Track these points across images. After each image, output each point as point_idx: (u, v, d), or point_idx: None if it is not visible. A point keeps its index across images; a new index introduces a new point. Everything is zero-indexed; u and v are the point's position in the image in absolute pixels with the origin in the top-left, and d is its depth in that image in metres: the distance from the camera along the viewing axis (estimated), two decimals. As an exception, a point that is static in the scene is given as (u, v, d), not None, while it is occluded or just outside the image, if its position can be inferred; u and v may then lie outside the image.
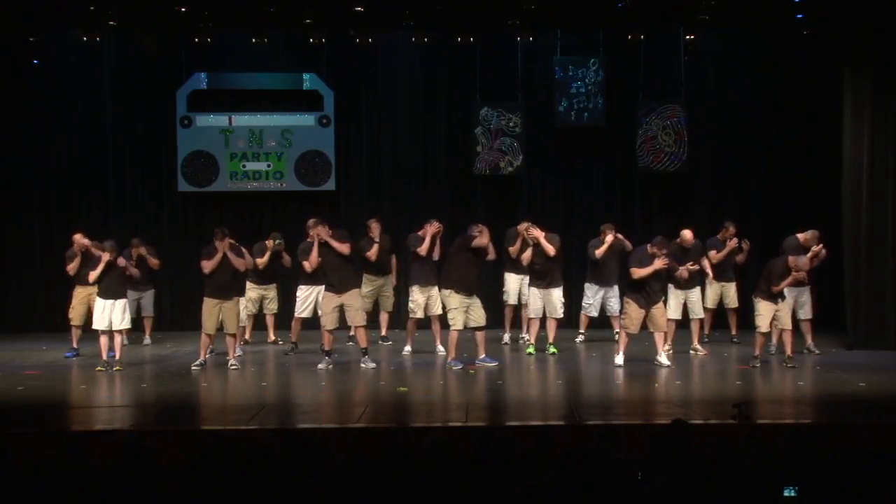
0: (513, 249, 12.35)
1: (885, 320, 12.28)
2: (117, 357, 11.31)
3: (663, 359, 11.11)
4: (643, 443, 5.77)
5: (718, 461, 5.38)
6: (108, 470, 5.39)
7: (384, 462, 5.51)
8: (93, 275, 11.46)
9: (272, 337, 13.19)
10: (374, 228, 12.59)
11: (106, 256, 11.31)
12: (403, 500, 4.98)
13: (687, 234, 11.95)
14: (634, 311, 11.04)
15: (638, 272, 10.97)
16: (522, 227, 12.20)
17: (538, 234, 11.85)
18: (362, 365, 11.22)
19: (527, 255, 12.00)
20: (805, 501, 4.93)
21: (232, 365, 11.25)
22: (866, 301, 12.35)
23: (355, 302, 11.39)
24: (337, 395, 10.13)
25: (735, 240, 12.42)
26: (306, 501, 4.93)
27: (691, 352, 11.97)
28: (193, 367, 11.23)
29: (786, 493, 4.96)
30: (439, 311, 12.10)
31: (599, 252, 12.18)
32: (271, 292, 13.05)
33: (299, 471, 5.31)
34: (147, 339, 13.33)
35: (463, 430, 8.09)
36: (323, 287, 11.58)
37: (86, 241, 12.00)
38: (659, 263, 10.94)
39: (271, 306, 13.11)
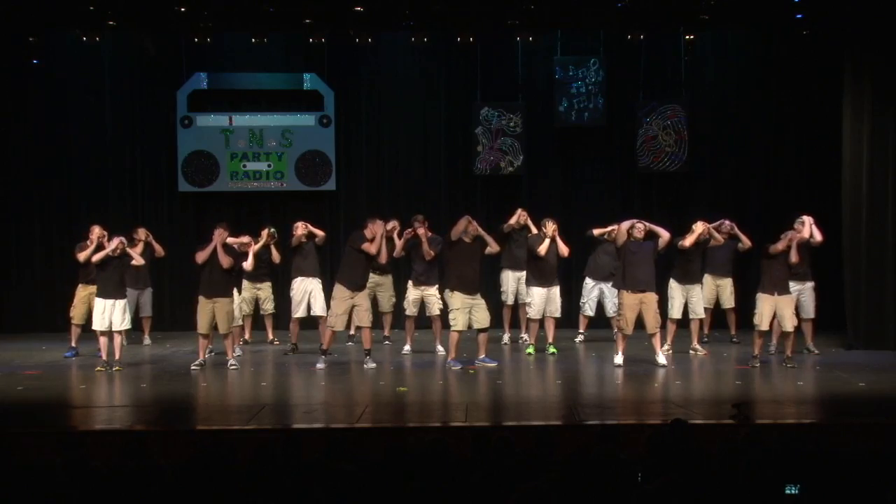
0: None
1: (885, 320, 12.28)
2: (117, 357, 11.30)
3: (661, 358, 11.13)
4: (643, 443, 5.77)
5: (718, 461, 5.38)
6: (107, 470, 5.39)
7: (384, 462, 5.51)
8: (82, 255, 11.61)
9: (270, 337, 13.18)
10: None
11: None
12: (403, 499, 4.98)
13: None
14: (627, 301, 11.07)
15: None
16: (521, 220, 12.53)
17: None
18: (365, 366, 11.22)
19: (543, 247, 11.96)
20: (805, 501, 4.93)
21: (231, 365, 11.25)
22: (866, 301, 12.35)
23: (365, 302, 11.41)
24: (336, 395, 10.13)
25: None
26: (306, 501, 4.93)
27: (691, 352, 11.97)
28: (193, 368, 11.23)
29: (787, 491, 4.97)
30: (437, 312, 12.09)
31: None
32: (265, 292, 13.00)
33: (299, 471, 5.31)
34: (147, 339, 13.32)
35: (463, 430, 8.10)
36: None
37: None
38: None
39: (267, 306, 13.08)
